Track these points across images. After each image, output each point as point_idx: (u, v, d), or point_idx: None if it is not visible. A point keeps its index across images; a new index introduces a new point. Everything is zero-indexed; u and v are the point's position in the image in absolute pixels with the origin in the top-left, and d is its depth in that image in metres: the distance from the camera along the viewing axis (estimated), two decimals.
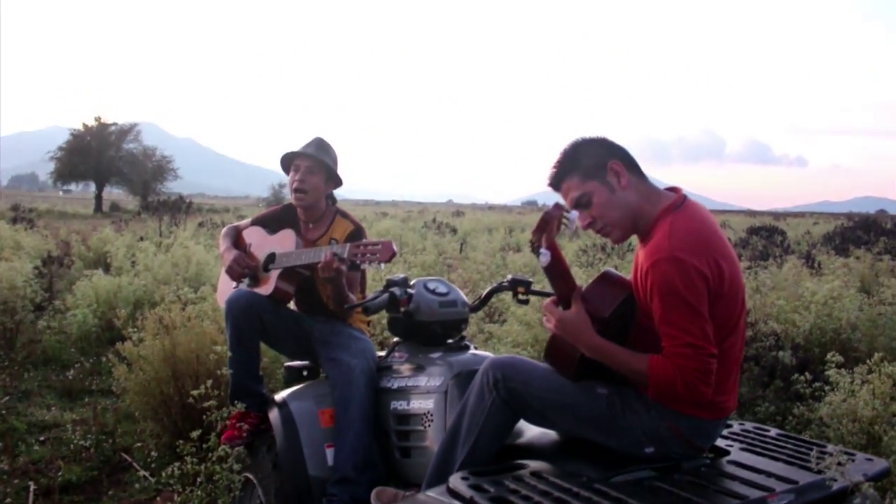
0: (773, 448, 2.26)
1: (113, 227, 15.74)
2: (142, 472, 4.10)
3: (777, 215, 54.63)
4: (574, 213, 2.00)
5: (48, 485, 3.91)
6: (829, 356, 3.78)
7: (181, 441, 2.90)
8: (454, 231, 21.45)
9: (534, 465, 2.09)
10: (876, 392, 3.38)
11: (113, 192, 54.05)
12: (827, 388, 3.69)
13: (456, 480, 1.91)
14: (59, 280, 9.76)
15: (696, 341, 1.94)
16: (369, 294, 2.97)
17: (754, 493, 1.85)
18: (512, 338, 4.87)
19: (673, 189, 2.18)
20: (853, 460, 2.12)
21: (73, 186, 53.44)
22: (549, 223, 1.95)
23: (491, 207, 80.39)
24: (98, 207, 43.60)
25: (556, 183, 2.20)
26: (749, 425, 2.50)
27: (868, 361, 3.50)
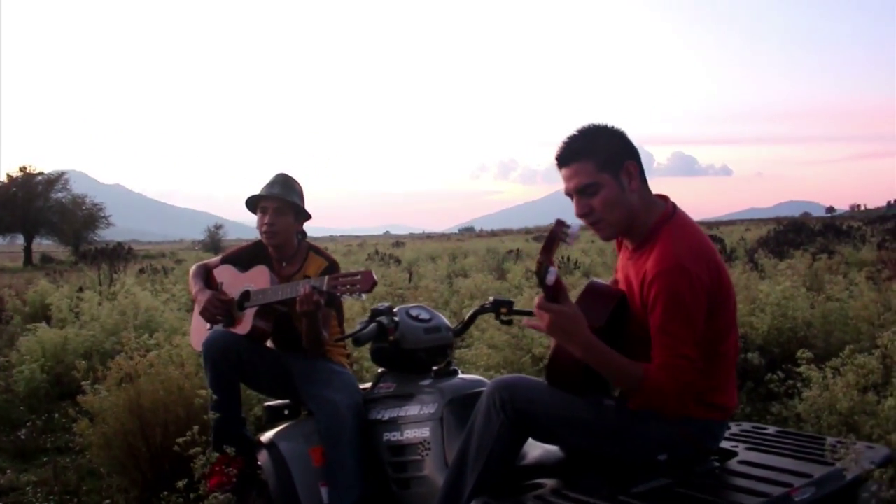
0: (777, 445, 2.28)
1: (48, 279, 15.19)
2: None
3: (709, 224, 56.19)
4: (575, 228, 1.98)
5: None
6: (799, 353, 3.87)
7: (166, 493, 2.77)
8: (398, 261, 21.41)
9: (549, 483, 2.07)
10: (850, 383, 3.46)
11: (42, 244, 52.30)
12: (799, 384, 3.77)
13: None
14: None
15: (690, 353, 1.96)
16: (355, 325, 2.92)
17: (776, 490, 1.86)
18: (483, 361, 4.84)
19: (662, 197, 2.20)
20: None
21: None
22: (556, 241, 1.93)
23: (429, 236, 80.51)
24: (28, 260, 42.05)
25: (568, 159, 2.13)
26: (747, 425, 2.53)
27: (841, 354, 3.59)
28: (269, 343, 3.14)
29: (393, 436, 2.73)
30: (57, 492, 4.40)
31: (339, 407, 2.78)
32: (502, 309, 2.99)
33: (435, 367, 2.89)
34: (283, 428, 2.99)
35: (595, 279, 2.27)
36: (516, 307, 3.03)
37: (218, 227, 42.37)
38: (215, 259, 3.39)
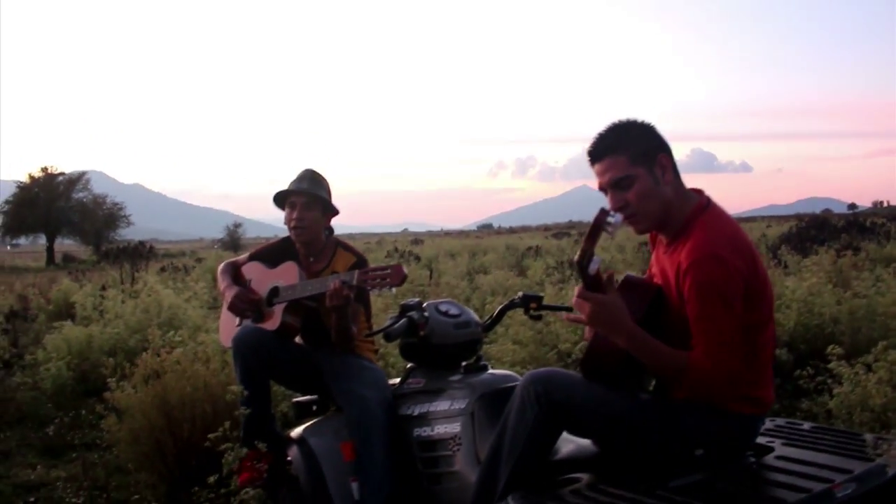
0: (814, 441, 2.25)
1: (70, 278, 15.35)
2: None
3: None
4: (618, 217, 1.96)
5: None
6: (829, 349, 3.84)
7: (196, 488, 2.79)
8: (417, 258, 21.42)
9: (583, 477, 2.05)
10: (884, 379, 3.42)
11: (64, 243, 52.89)
12: (829, 380, 3.74)
13: (516, 499, 1.86)
14: (23, 335, 9.46)
15: (731, 340, 1.94)
16: (385, 321, 2.91)
17: (817, 486, 1.83)
18: (509, 357, 4.82)
19: (696, 190, 2.18)
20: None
21: (21, 240, 52.17)
22: (599, 230, 1.92)
23: (447, 233, 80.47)
24: (50, 259, 42.51)
25: (601, 154, 2.13)
26: (781, 421, 2.50)
27: (873, 350, 3.55)
28: (297, 339, 3.14)
29: (423, 431, 2.72)
30: (86, 487, 4.45)
31: (370, 402, 2.77)
32: (532, 304, 2.99)
33: (464, 363, 2.89)
34: (313, 423, 2.99)
35: (631, 274, 2.25)
36: (544, 303, 3.02)
37: (237, 225, 42.60)
38: (243, 256, 3.40)
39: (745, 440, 2.11)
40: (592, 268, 1.94)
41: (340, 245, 3.23)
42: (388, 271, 2.69)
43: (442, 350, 2.84)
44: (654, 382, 2.24)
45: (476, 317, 2.97)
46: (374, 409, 2.76)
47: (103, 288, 12.11)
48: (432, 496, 2.67)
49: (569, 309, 3.24)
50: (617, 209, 2.11)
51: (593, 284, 1.98)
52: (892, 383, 3.39)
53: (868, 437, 2.30)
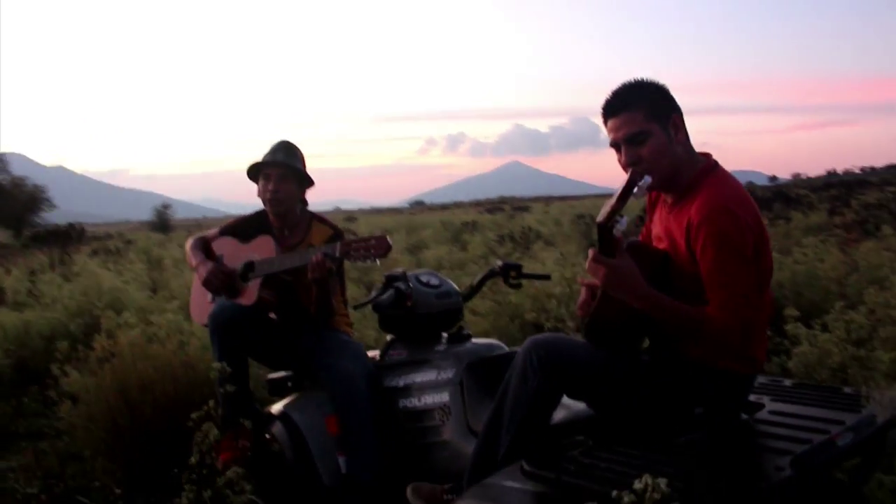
0: (799, 396, 2.32)
1: None
2: None
3: None
4: (648, 179, 1.96)
5: None
6: (787, 311, 3.97)
7: (176, 470, 2.69)
8: (354, 236, 21.24)
9: (583, 440, 2.06)
10: (841, 338, 3.56)
11: None
12: (786, 341, 3.88)
13: (528, 462, 1.87)
14: None
15: (750, 292, 1.98)
16: (370, 293, 2.87)
17: (817, 437, 1.89)
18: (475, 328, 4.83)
19: (704, 154, 2.21)
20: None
21: None
22: (632, 190, 1.90)
23: (379, 210, 79.81)
24: None
25: (617, 110, 2.12)
26: (764, 379, 2.56)
27: (832, 310, 3.69)
28: (271, 315, 3.07)
29: (409, 402, 2.70)
30: (40, 476, 4.27)
31: (354, 376, 2.73)
32: (511, 273, 2.99)
33: (446, 333, 2.87)
34: (293, 399, 2.94)
35: (635, 239, 2.26)
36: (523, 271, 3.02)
37: (166, 206, 41.28)
38: (213, 231, 3.28)
39: (739, 398, 2.16)
40: (619, 228, 1.94)
41: (315, 218, 3.16)
42: (372, 242, 2.64)
43: (424, 321, 2.82)
44: (647, 344, 2.28)
45: (456, 287, 2.95)
46: (358, 381, 2.73)
47: (32, 272, 11.63)
48: (421, 466, 2.66)
49: (547, 277, 3.27)
50: (629, 164, 2.11)
51: (608, 247, 1.98)
52: (850, 341, 3.52)
53: (847, 390, 2.40)
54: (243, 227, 3.18)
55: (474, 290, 3.08)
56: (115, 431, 4.01)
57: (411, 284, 2.77)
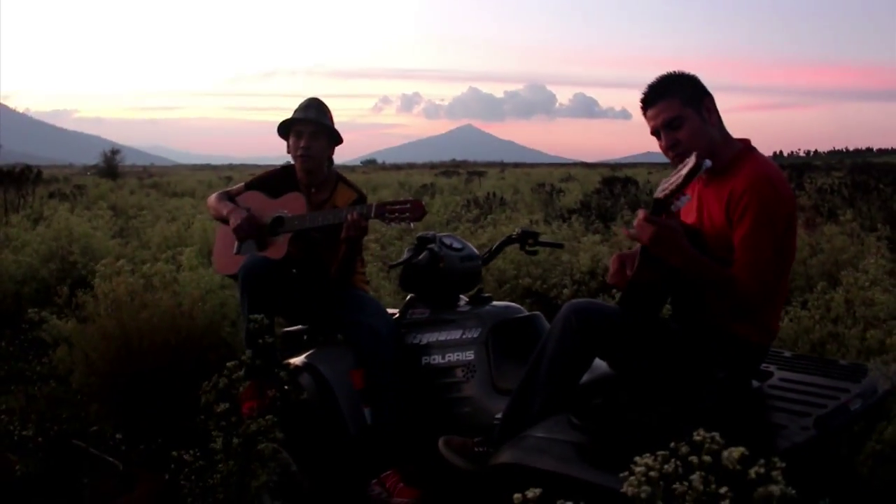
0: (801, 366, 2.52)
1: None
2: (109, 459, 3.85)
3: (611, 165, 57.84)
4: (709, 162, 2.10)
5: (6, 480, 3.60)
6: None
7: (201, 417, 2.77)
8: None
9: (604, 400, 2.23)
10: (820, 316, 3.81)
11: None
12: None
13: (575, 415, 2.03)
14: None
15: (773, 260, 2.17)
16: (405, 253, 2.97)
17: (831, 403, 2.09)
18: None
19: (742, 140, 2.37)
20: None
21: None
22: (699, 171, 2.03)
23: None
24: None
25: (654, 99, 2.31)
26: None
27: (816, 289, 3.93)
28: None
29: (433, 359, 2.83)
30: (34, 419, 4.28)
31: (380, 331, 2.85)
32: (529, 240, 3.13)
33: (466, 294, 3.00)
34: (317, 352, 3.03)
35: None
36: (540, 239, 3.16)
37: (115, 151, 40.11)
38: (238, 185, 3.33)
39: (755, 365, 2.35)
40: (678, 205, 2.09)
41: (341, 180, 3.23)
42: (408, 206, 2.74)
43: (448, 282, 2.94)
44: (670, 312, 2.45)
45: (476, 250, 3.08)
46: (385, 338, 2.84)
47: None
48: (443, 419, 2.80)
49: (560, 245, 3.42)
50: (668, 148, 2.29)
51: (658, 212, 2.13)
52: (830, 318, 3.78)
53: (843, 362, 2.62)
54: (270, 183, 3.23)
55: (492, 255, 3.21)
56: (116, 378, 4.05)
57: (440, 247, 2.89)
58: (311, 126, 3.10)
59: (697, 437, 1.61)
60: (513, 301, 3.33)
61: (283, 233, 3.01)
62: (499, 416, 2.58)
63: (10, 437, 4.07)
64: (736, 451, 1.39)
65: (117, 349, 4.04)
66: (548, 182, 21.64)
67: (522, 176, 33.72)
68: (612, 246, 5.98)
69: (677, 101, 2.28)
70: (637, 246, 2.64)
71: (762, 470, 1.37)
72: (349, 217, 2.79)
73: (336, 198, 3.16)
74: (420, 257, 2.79)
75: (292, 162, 3.20)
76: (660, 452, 1.56)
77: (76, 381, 4.17)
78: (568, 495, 1.88)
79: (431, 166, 67.77)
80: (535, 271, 5.23)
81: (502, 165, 67.65)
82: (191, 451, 2.65)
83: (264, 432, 2.64)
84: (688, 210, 2.39)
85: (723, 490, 1.49)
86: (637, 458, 1.57)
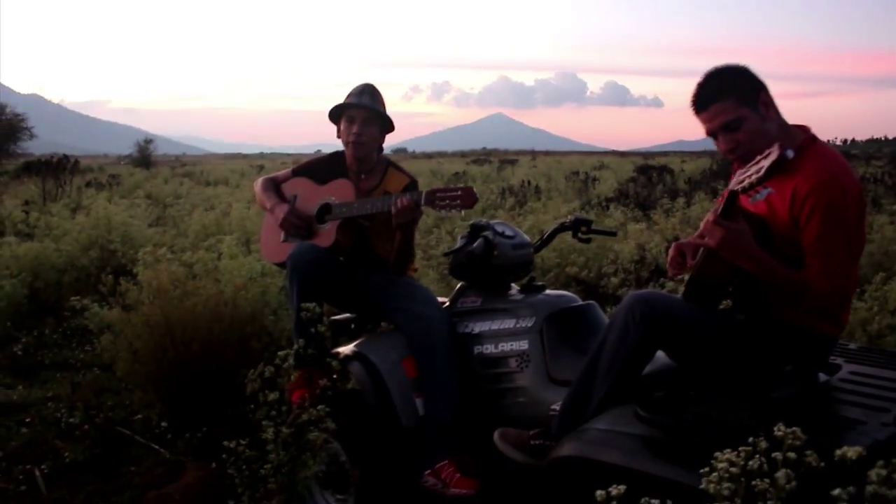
0: (870, 359, 2.42)
1: None
2: (154, 447, 3.86)
3: (644, 154, 57.27)
4: (790, 152, 2.00)
5: (54, 466, 3.63)
6: None
7: (251, 406, 2.75)
8: None
9: (670, 393, 2.15)
10: (880, 308, 3.70)
11: None
12: None
13: (643, 408, 1.96)
14: None
15: (847, 262, 2.08)
16: (457, 241, 2.91)
17: None
18: None
19: (801, 127, 2.26)
20: None
21: None
22: (782, 164, 1.94)
23: None
24: None
25: (707, 103, 2.19)
26: None
27: (875, 280, 3.82)
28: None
29: (486, 349, 2.78)
30: (80, 407, 4.32)
31: (432, 320, 2.79)
32: (582, 227, 3.05)
33: (518, 283, 2.94)
34: (366, 341, 2.99)
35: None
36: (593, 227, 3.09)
37: (148, 141, 40.50)
38: (284, 172, 3.29)
39: (824, 358, 2.26)
40: (757, 199, 2.01)
41: (392, 165, 3.17)
42: (459, 193, 2.67)
43: (500, 270, 2.88)
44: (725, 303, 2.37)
45: (528, 238, 3.01)
46: (438, 327, 2.79)
47: (26, 203, 11.51)
48: (493, 411, 2.74)
49: (613, 234, 3.34)
50: (728, 151, 2.20)
51: (729, 212, 2.04)
52: (888, 310, 3.66)
53: None
54: (318, 169, 3.18)
55: (544, 243, 3.14)
56: (160, 366, 4.06)
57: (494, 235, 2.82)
58: (364, 112, 3.04)
59: (778, 433, 1.54)
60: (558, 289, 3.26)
61: (331, 220, 2.96)
62: (555, 407, 2.52)
63: (58, 425, 4.12)
64: (852, 451, 1.31)
65: (161, 337, 4.04)
66: (581, 170, 21.48)
67: (554, 164, 33.51)
68: (657, 233, 5.86)
69: (732, 102, 2.15)
70: (696, 233, 2.56)
71: (883, 472, 1.28)
72: (398, 203, 2.74)
73: (387, 183, 3.10)
74: (474, 245, 2.73)
75: (342, 147, 3.15)
76: (742, 448, 1.48)
77: (120, 369, 4.18)
78: (636, 490, 1.82)
79: (462, 154, 67.64)
80: (579, 259, 5.14)
81: (533, 153, 67.30)
82: (240, 441, 2.62)
83: (315, 422, 2.62)
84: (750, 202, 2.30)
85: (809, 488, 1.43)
86: (718, 454, 1.49)
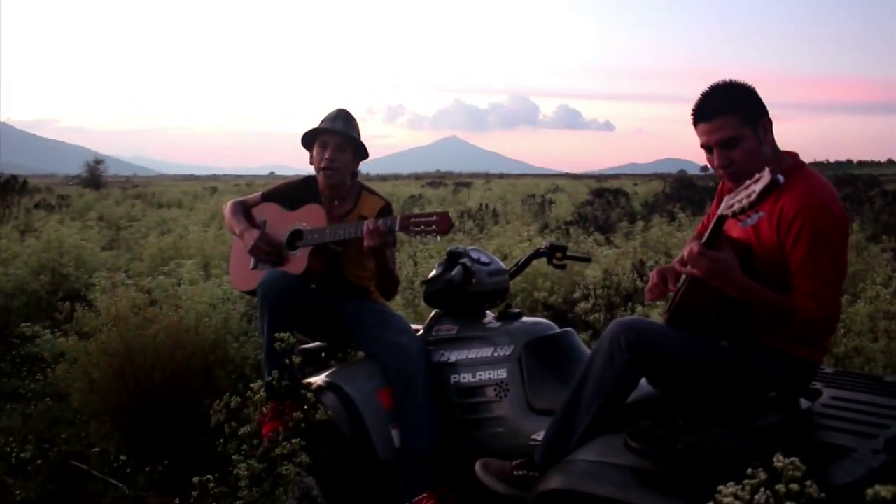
0: (849, 384, 2.43)
1: None
2: (113, 482, 3.69)
3: (595, 177, 58.09)
4: (781, 178, 2.00)
5: None
6: None
7: (220, 440, 2.64)
8: None
9: (648, 423, 2.13)
10: (846, 330, 3.76)
11: None
12: None
13: (633, 438, 1.93)
14: None
15: (836, 283, 2.09)
16: (436, 268, 2.86)
17: (893, 423, 2.00)
18: None
19: (790, 153, 2.28)
20: None
21: None
22: (774, 188, 1.93)
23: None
24: None
25: (710, 115, 2.18)
26: None
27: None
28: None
29: (462, 378, 2.72)
30: (32, 440, 4.12)
31: (409, 349, 2.73)
32: (557, 254, 3.04)
33: (494, 310, 2.90)
34: (339, 370, 2.91)
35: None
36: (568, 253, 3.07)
37: (98, 161, 39.67)
38: (254, 196, 3.20)
39: (805, 384, 2.26)
40: (749, 223, 2.00)
41: (365, 189, 3.12)
42: (434, 218, 2.63)
43: (476, 297, 2.83)
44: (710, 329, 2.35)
45: (503, 264, 2.97)
46: (415, 356, 2.72)
47: None
48: (471, 441, 2.68)
49: (588, 259, 3.33)
50: (722, 167, 2.19)
51: (714, 239, 2.03)
52: (855, 332, 3.71)
53: (888, 378, 2.53)
54: (289, 194, 3.11)
55: (519, 269, 3.11)
56: (119, 396, 3.91)
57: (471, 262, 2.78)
58: (337, 137, 2.98)
59: (778, 464, 1.52)
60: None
61: (302, 246, 2.89)
62: (535, 437, 2.48)
63: (7, 460, 3.93)
64: (886, 490, 1.29)
65: (120, 366, 3.90)
66: (536, 193, 21.63)
67: (508, 187, 33.74)
68: (624, 257, 5.89)
69: (736, 121, 2.16)
70: (675, 260, 2.55)
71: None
72: (367, 226, 2.68)
73: (361, 208, 3.05)
74: (453, 273, 2.68)
75: (313, 172, 3.08)
76: (746, 482, 1.46)
77: (76, 399, 4.02)
78: None
79: (416, 177, 67.78)
80: (545, 284, 5.12)
81: (487, 176, 67.77)
82: (209, 476, 2.51)
83: (288, 456, 2.53)
84: (736, 225, 2.30)
85: None
86: (721, 488, 1.46)
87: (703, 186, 23.10)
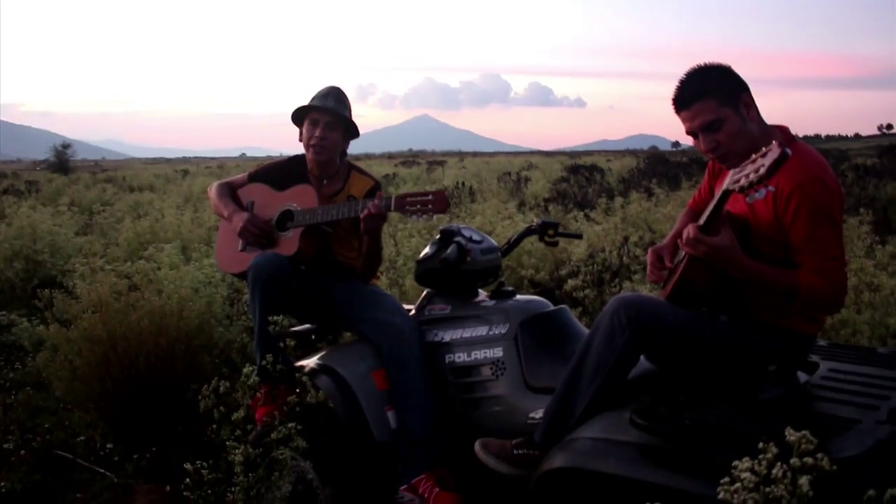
0: (844, 356, 2.44)
1: None
2: (100, 470, 3.63)
3: (569, 153, 58.12)
4: (789, 151, 1.98)
5: None
6: None
7: (211, 426, 2.59)
8: None
9: (649, 399, 2.12)
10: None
11: None
12: None
13: (638, 415, 1.92)
14: None
15: (840, 255, 2.08)
16: (425, 247, 2.82)
17: (894, 394, 2.01)
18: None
19: (780, 127, 2.26)
20: None
21: None
22: (782, 164, 1.91)
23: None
24: None
25: (688, 101, 2.17)
26: None
27: None
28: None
29: (458, 357, 2.70)
30: (14, 430, 4.04)
31: (402, 330, 2.69)
32: (549, 231, 3.01)
33: (486, 288, 2.87)
34: (331, 352, 2.87)
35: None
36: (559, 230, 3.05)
37: (66, 146, 38.92)
38: (240, 176, 3.13)
39: (803, 357, 2.26)
40: (756, 197, 1.98)
41: (354, 168, 3.06)
42: (430, 198, 2.59)
43: (469, 276, 2.80)
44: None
45: (495, 242, 2.95)
46: (408, 336, 2.69)
47: None
48: (468, 420, 2.66)
49: (579, 236, 3.32)
50: (708, 150, 2.19)
51: (714, 218, 2.02)
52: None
53: (882, 350, 2.55)
54: (276, 174, 3.04)
55: (511, 247, 3.08)
56: (103, 384, 3.84)
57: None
58: (327, 115, 2.92)
59: (791, 437, 1.51)
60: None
61: (293, 227, 2.83)
62: (533, 415, 2.47)
63: None
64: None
65: (103, 353, 3.83)
66: (511, 170, 21.58)
67: (482, 165, 33.66)
68: (608, 232, 5.90)
69: (713, 103, 2.14)
70: (668, 236, 2.53)
71: None
72: (368, 209, 2.63)
73: (350, 187, 2.99)
74: (448, 251, 2.64)
75: (303, 151, 3.02)
76: (762, 457, 1.45)
77: (59, 388, 3.93)
78: (635, 499, 1.77)
79: (389, 156, 67.37)
80: (530, 261, 5.11)
81: (461, 154, 67.58)
82: (201, 462, 2.46)
83: (284, 441, 2.49)
84: (734, 198, 2.29)
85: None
86: (737, 463, 1.45)
87: (676, 162, 23.25)
